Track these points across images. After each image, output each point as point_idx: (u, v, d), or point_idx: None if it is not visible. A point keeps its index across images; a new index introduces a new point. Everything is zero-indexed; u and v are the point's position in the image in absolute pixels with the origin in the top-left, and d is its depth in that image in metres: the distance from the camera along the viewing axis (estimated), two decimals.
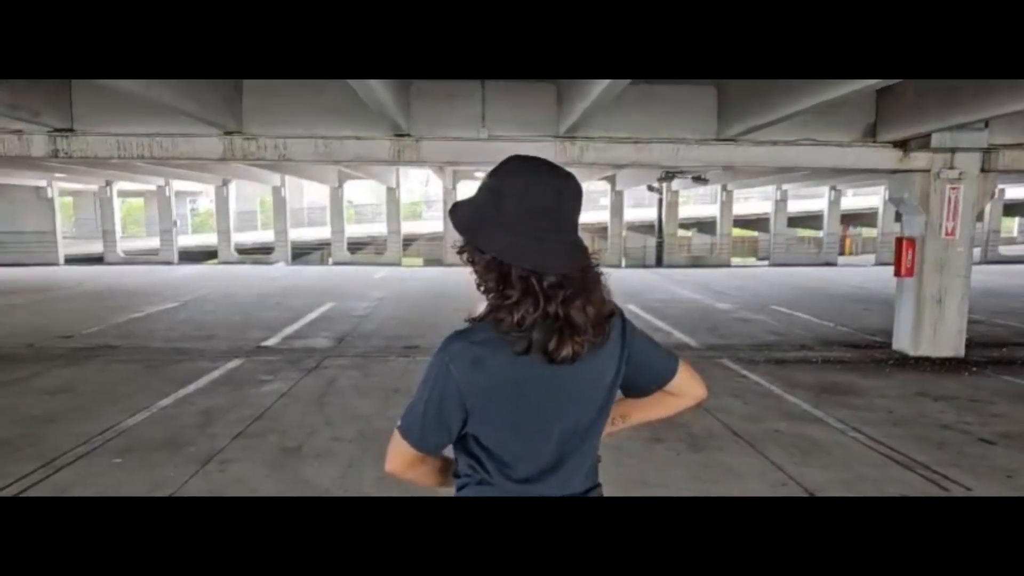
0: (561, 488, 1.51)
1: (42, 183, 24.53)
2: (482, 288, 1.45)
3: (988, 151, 8.73)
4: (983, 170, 8.82)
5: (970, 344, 9.34)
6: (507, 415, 1.45)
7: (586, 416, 1.53)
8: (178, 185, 27.49)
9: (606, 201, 27.80)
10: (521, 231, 1.38)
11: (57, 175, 22.60)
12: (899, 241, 9.38)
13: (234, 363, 8.36)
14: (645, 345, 1.65)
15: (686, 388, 1.73)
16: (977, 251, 24.30)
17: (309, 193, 42.49)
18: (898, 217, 10.28)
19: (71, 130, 8.24)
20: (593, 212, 33.57)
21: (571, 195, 1.43)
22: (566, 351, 1.39)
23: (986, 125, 8.32)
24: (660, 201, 26.16)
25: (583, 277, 1.42)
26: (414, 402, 1.47)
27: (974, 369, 8.42)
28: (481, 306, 1.48)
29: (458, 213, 1.45)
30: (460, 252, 1.46)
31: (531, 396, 1.45)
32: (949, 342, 9.11)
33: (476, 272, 1.45)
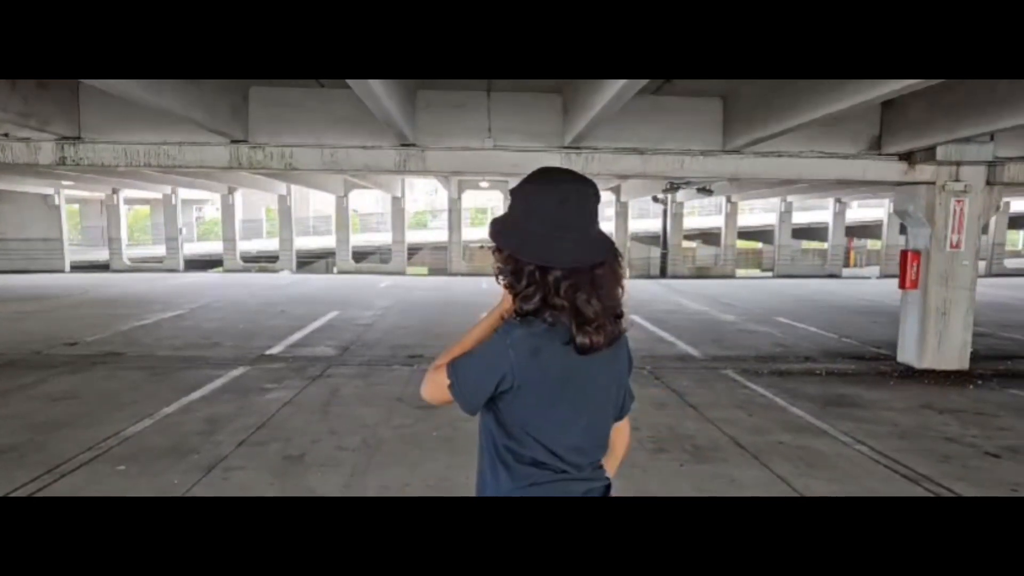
0: (578, 470, 1.65)
1: (49, 191, 24.65)
2: (501, 279, 1.64)
3: (993, 164, 8.73)
4: (988, 183, 8.81)
5: (975, 357, 9.31)
6: (548, 401, 1.59)
7: (603, 409, 1.70)
8: (184, 193, 27.62)
9: (611, 212, 27.78)
10: (529, 231, 1.56)
11: (64, 183, 22.72)
12: (904, 253, 9.37)
13: (238, 371, 8.37)
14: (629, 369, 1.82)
15: (623, 431, 1.89)
16: (982, 264, 24.25)
17: (315, 202, 42.59)
18: (903, 229, 10.26)
19: (78, 138, 8.29)
20: None
21: (577, 200, 1.59)
22: (582, 339, 1.54)
23: (992, 138, 8.32)
24: (665, 212, 26.17)
25: (591, 272, 1.56)
26: (471, 361, 1.60)
27: (979, 382, 8.39)
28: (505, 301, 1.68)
29: (493, 220, 1.66)
30: (493, 252, 1.65)
31: (570, 385, 1.60)
32: (954, 355, 9.09)
33: (497, 265, 1.64)
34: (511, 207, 1.65)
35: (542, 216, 1.56)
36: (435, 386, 1.63)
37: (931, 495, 4.81)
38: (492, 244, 1.65)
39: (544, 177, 1.63)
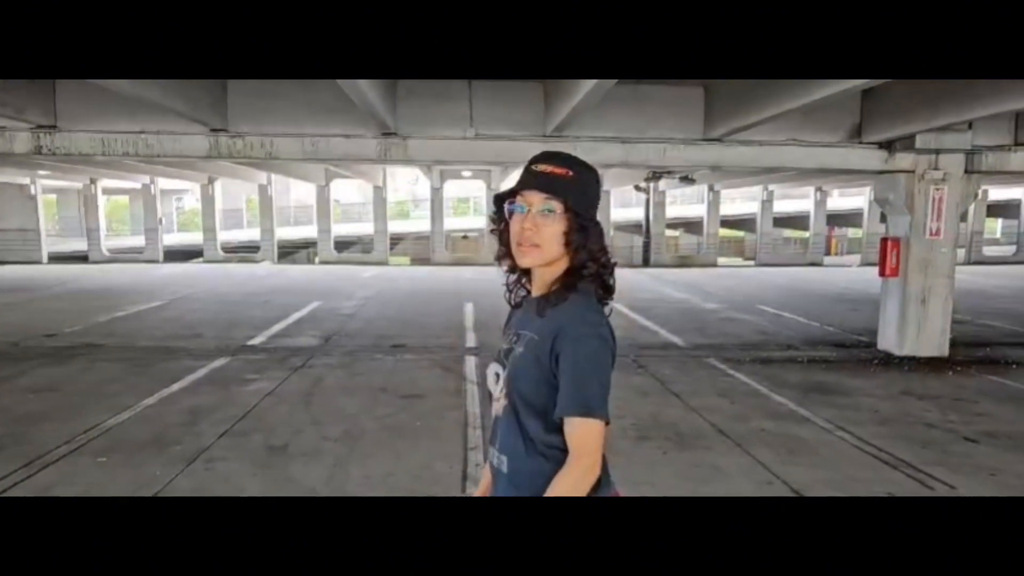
0: None
1: (25, 180, 24.31)
2: (575, 241, 1.61)
3: (972, 152, 8.81)
4: (967, 171, 8.89)
5: (954, 344, 9.41)
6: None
7: None
8: (164, 183, 27.28)
9: None
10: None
11: (41, 172, 22.40)
12: (884, 241, 9.44)
13: (220, 362, 8.32)
14: None
15: None
16: (961, 252, 24.49)
17: (296, 192, 42.28)
18: (883, 218, 10.35)
19: (55, 127, 8.17)
20: None
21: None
22: (610, 303, 1.71)
23: (970, 127, 8.39)
24: (647, 201, 26.20)
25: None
26: (595, 385, 1.51)
27: (958, 368, 8.49)
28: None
29: (579, 184, 1.63)
30: (553, 204, 1.59)
31: None
32: (933, 342, 9.18)
33: (578, 226, 1.60)
34: (579, 176, 1.62)
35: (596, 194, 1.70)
36: (597, 446, 1.52)
37: (913, 481, 4.86)
38: (560, 200, 1.58)
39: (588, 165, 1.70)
